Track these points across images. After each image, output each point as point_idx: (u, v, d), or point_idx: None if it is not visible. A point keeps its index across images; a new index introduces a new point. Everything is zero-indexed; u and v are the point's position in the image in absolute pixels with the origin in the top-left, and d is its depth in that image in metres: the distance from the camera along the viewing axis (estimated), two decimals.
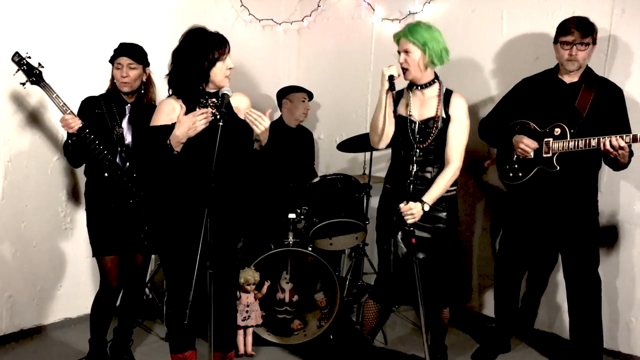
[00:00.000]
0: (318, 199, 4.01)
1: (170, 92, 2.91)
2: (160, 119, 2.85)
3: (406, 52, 3.10)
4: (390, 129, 3.19)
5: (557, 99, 3.42)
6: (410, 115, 3.17)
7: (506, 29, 4.14)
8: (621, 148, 3.11)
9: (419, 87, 3.17)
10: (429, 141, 3.13)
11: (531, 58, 3.96)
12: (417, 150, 3.14)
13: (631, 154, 3.23)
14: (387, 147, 3.29)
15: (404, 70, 3.13)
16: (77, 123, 3.11)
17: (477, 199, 4.41)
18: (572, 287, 3.54)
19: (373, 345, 3.62)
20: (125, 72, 3.23)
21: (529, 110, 3.50)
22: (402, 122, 3.18)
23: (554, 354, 3.90)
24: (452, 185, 3.18)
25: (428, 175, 3.17)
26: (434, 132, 3.13)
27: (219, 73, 2.79)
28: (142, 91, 3.34)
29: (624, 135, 3.11)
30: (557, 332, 4.07)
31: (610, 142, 3.11)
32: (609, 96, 3.36)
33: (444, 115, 3.12)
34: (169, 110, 2.84)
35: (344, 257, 4.46)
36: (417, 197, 3.07)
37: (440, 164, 3.17)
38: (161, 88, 3.85)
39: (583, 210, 3.46)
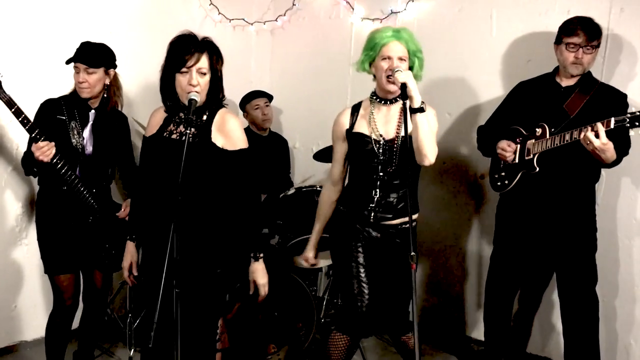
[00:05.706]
0: (293, 213, 3.94)
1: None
2: (148, 129, 2.78)
3: (401, 59, 2.82)
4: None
5: (548, 102, 3.34)
6: (374, 134, 2.92)
7: (496, 29, 4.05)
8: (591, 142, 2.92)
9: (387, 102, 2.94)
10: (394, 163, 2.89)
11: (523, 61, 3.89)
12: (382, 175, 2.90)
13: (624, 152, 3.10)
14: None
15: (391, 80, 2.82)
16: (52, 151, 2.96)
17: (467, 219, 4.31)
18: (568, 306, 3.45)
19: None
20: (82, 77, 3.09)
21: (521, 115, 3.43)
22: (363, 142, 2.93)
23: None
24: (412, 216, 2.95)
25: (392, 200, 2.93)
26: (397, 151, 2.88)
27: (177, 86, 2.63)
28: (105, 95, 3.19)
29: (594, 125, 2.92)
30: (550, 356, 3.97)
31: (584, 134, 2.94)
32: (607, 102, 3.23)
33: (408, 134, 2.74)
34: (154, 121, 2.77)
35: (321, 275, 4.34)
36: (380, 226, 2.95)
37: (404, 187, 2.90)
38: (129, 89, 3.86)
39: (579, 224, 3.37)
